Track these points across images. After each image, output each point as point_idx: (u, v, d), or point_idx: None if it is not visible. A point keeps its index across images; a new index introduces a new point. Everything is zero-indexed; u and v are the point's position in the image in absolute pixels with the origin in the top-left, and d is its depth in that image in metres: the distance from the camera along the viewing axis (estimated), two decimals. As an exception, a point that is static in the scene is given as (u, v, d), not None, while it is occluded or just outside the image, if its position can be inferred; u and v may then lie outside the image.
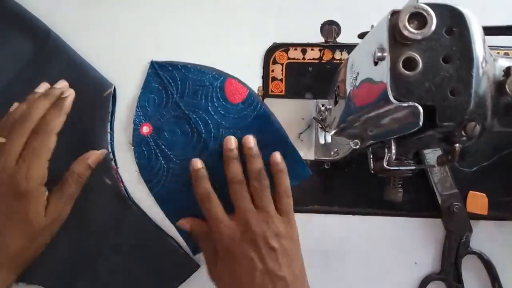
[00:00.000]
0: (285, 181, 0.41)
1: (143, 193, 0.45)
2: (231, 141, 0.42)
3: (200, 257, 0.44)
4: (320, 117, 0.42)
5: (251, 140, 0.42)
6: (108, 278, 0.43)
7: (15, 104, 0.42)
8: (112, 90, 0.46)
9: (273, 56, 0.47)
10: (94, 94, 0.45)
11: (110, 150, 0.45)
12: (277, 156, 0.42)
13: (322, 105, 0.42)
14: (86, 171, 0.42)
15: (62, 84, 0.43)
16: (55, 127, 0.39)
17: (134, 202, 0.45)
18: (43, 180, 0.38)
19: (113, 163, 0.45)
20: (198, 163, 0.42)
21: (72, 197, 0.41)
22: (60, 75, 0.45)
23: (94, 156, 0.42)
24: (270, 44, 0.47)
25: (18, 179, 0.37)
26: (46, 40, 0.46)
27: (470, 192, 0.43)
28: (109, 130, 0.45)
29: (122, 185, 0.45)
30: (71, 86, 0.44)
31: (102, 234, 0.44)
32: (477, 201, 0.42)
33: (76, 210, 0.43)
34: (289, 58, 0.46)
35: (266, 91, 0.46)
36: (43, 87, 0.43)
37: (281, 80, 0.46)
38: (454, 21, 0.24)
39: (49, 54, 0.46)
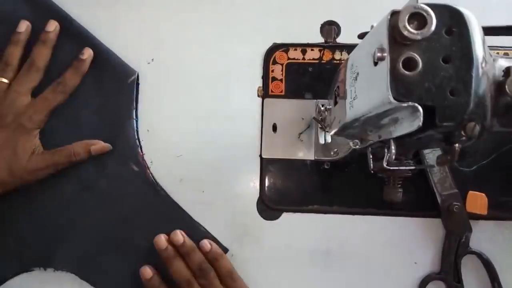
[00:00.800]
0: (225, 265, 0.42)
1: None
2: (161, 240, 0.42)
3: (228, 242, 0.44)
4: (320, 117, 0.42)
5: (179, 236, 0.42)
6: (139, 263, 0.44)
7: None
8: (136, 77, 0.46)
9: (273, 56, 0.47)
10: (119, 81, 0.46)
11: (136, 136, 0.46)
12: (205, 244, 0.43)
13: (322, 105, 0.42)
14: (84, 154, 0.44)
15: (53, 26, 0.45)
16: (71, 86, 0.45)
17: (161, 187, 0.45)
18: (41, 125, 0.44)
19: (139, 150, 0.46)
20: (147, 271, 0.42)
21: (56, 165, 0.44)
22: None
23: (99, 146, 0.44)
24: (270, 44, 0.47)
25: (23, 118, 0.43)
26: (68, 28, 0.46)
27: (470, 192, 0.43)
28: (134, 117, 0.46)
29: (149, 171, 0.45)
30: (96, 73, 0.46)
31: (130, 220, 0.45)
32: (477, 201, 0.42)
33: (105, 197, 0.44)
34: (289, 58, 0.47)
35: (266, 91, 0.46)
36: (24, 26, 0.45)
37: (281, 80, 0.46)
38: (454, 21, 0.24)
39: (72, 42, 0.46)
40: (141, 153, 0.46)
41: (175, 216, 0.45)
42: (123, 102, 0.46)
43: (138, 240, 0.44)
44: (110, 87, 0.46)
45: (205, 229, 0.44)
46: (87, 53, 0.45)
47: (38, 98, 0.44)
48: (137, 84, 0.47)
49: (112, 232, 0.44)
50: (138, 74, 0.47)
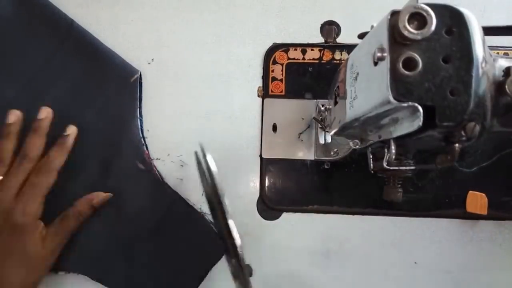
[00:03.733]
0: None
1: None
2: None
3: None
4: (320, 117, 0.42)
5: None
6: (145, 260, 0.44)
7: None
8: (139, 76, 0.46)
9: (273, 56, 0.47)
10: (121, 81, 0.46)
11: (140, 135, 0.46)
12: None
13: (322, 105, 0.42)
14: (88, 210, 0.42)
15: (45, 113, 0.43)
16: (57, 165, 0.41)
17: (168, 185, 0.45)
18: (39, 214, 0.40)
19: (144, 148, 0.46)
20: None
21: (70, 231, 0.42)
22: (86, 63, 0.46)
23: (99, 197, 0.43)
24: (270, 44, 0.47)
25: (15, 214, 0.38)
26: (69, 29, 0.46)
27: (470, 192, 0.43)
28: (138, 116, 0.46)
29: (155, 168, 0.45)
30: (98, 73, 0.46)
31: (139, 218, 0.44)
32: (477, 201, 0.42)
33: (112, 197, 0.44)
34: (289, 58, 0.47)
35: (266, 91, 0.46)
36: (13, 117, 0.42)
37: (281, 80, 0.46)
38: (454, 21, 0.24)
39: (74, 43, 0.46)
40: (147, 152, 0.46)
41: (181, 210, 0.44)
42: (126, 101, 0.46)
43: (147, 238, 0.44)
44: (113, 86, 0.46)
45: (211, 224, 0.44)
46: (71, 130, 0.43)
47: (25, 187, 0.40)
48: (140, 83, 0.47)
49: (120, 231, 0.44)
50: (140, 73, 0.47)
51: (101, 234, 0.44)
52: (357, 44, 0.31)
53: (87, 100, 0.46)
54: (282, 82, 0.46)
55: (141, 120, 0.46)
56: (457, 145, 0.26)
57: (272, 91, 0.46)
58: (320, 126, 0.42)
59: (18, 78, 0.46)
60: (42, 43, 0.47)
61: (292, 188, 0.45)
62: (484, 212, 0.42)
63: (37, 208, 0.40)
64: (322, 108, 0.42)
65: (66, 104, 0.46)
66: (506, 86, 0.25)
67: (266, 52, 0.47)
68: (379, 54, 0.24)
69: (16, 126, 0.42)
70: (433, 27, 0.23)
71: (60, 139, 0.43)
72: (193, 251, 0.44)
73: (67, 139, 0.43)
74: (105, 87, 0.46)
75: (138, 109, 0.46)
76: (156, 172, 0.45)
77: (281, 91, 0.46)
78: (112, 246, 0.44)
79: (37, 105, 0.45)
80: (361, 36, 0.33)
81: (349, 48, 0.46)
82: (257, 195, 0.45)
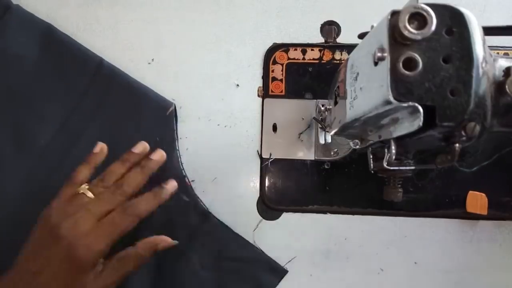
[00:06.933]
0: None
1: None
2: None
3: (288, 264, 0.44)
4: (320, 117, 0.42)
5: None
6: None
7: (99, 146, 0.41)
8: (174, 108, 0.45)
9: (273, 56, 0.47)
10: (157, 115, 0.45)
11: (181, 167, 0.45)
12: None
13: (322, 105, 0.42)
14: (149, 254, 0.38)
15: (159, 155, 0.41)
16: (142, 213, 0.37)
17: (213, 215, 0.44)
18: (103, 255, 0.35)
19: (186, 180, 0.45)
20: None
21: (126, 273, 0.37)
22: (119, 100, 0.45)
23: (166, 243, 0.38)
24: (270, 44, 0.47)
25: (79, 248, 0.34)
26: (99, 68, 0.46)
27: (470, 192, 0.43)
28: (177, 148, 0.45)
29: (199, 199, 0.45)
30: (133, 109, 0.45)
31: (187, 250, 0.43)
32: (477, 201, 0.43)
33: (159, 230, 0.41)
34: (289, 58, 0.47)
35: (266, 91, 0.46)
36: (141, 147, 0.41)
37: (281, 80, 0.46)
38: (454, 21, 0.24)
39: (105, 82, 0.46)
40: (189, 183, 0.45)
41: (227, 238, 0.44)
42: (165, 135, 0.45)
43: (195, 270, 0.43)
44: (150, 121, 0.45)
45: (261, 250, 0.44)
46: (172, 185, 0.39)
47: (105, 221, 0.36)
48: (176, 115, 0.46)
49: (168, 263, 0.43)
50: (175, 105, 0.46)
51: (152, 266, 0.43)
52: (357, 44, 0.31)
53: (125, 138, 0.44)
54: (282, 82, 0.46)
55: (178, 151, 0.45)
56: (457, 145, 0.26)
57: (272, 91, 0.46)
58: (320, 126, 0.42)
59: (51, 122, 0.45)
60: (72, 84, 0.46)
61: (292, 188, 0.45)
62: (484, 212, 0.42)
63: (102, 251, 0.35)
64: (322, 108, 0.42)
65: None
66: (506, 86, 0.25)
67: (266, 52, 0.47)
68: (379, 54, 0.24)
69: (137, 157, 0.41)
70: (433, 27, 0.23)
71: (156, 189, 0.39)
72: (246, 278, 0.43)
73: (163, 192, 0.39)
74: (143, 123, 0.45)
75: (176, 141, 0.45)
76: (200, 202, 0.44)
77: (281, 91, 0.46)
78: (163, 279, 0.43)
79: (74, 148, 0.44)
80: (361, 36, 0.33)
81: (349, 48, 0.46)
82: (257, 195, 0.45)
